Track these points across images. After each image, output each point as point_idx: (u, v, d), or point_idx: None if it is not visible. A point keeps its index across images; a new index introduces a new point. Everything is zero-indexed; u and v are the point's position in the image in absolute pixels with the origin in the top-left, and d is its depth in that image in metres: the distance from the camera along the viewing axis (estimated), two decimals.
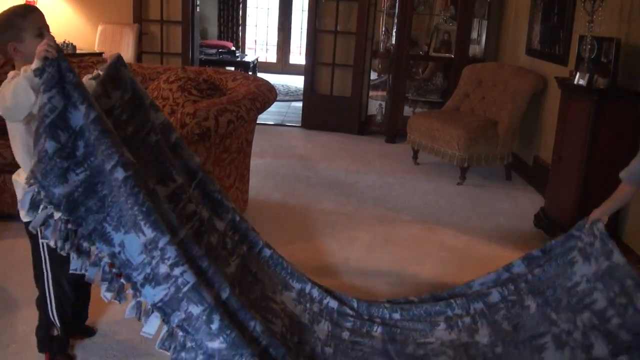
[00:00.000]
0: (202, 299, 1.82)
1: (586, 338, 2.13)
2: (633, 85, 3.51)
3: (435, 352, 2.30)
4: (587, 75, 3.50)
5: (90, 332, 2.49)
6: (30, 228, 1.86)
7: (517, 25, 5.67)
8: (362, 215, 4.10)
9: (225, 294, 1.95)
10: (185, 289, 1.81)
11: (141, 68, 4.27)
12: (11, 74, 1.96)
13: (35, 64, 1.81)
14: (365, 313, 2.47)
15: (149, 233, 1.80)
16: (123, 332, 2.53)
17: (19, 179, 2.05)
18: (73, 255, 1.86)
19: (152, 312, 1.83)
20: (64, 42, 5.96)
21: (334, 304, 2.43)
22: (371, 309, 2.48)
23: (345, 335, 2.35)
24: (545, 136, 4.73)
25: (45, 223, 1.82)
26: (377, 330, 2.40)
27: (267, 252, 2.40)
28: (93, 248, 1.85)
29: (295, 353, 2.15)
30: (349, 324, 2.40)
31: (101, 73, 2.05)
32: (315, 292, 2.42)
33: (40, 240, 2.01)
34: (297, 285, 2.41)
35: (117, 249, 1.83)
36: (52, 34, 2.01)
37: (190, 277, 1.82)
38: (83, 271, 1.87)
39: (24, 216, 2.00)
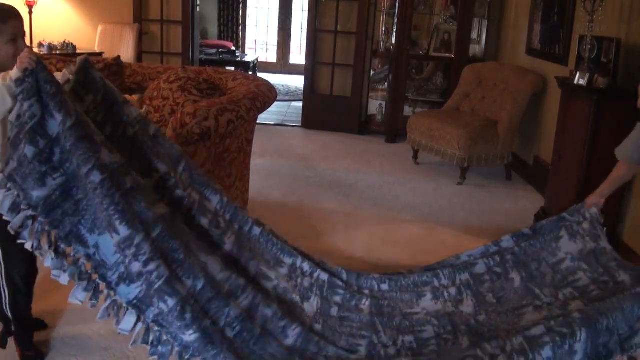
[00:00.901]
0: (175, 292, 1.91)
1: (565, 303, 2.24)
2: (633, 85, 3.51)
3: (420, 322, 2.39)
4: (587, 75, 3.50)
5: (41, 324, 2.50)
6: (9, 229, 1.91)
7: (517, 25, 5.67)
8: (362, 215, 4.10)
9: (200, 284, 2.02)
10: (159, 282, 1.89)
11: (141, 68, 4.27)
12: None
13: (15, 74, 1.89)
14: (354, 284, 2.56)
15: (124, 231, 1.89)
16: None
17: None
18: (51, 257, 1.93)
19: (128, 309, 1.92)
20: (64, 42, 5.97)
21: (324, 276, 2.50)
22: (360, 280, 2.58)
23: (334, 311, 2.42)
24: (546, 136, 4.73)
25: (23, 225, 1.91)
26: (365, 303, 2.47)
27: (257, 230, 2.45)
28: (70, 249, 1.94)
29: (282, 332, 2.21)
30: (338, 298, 2.47)
31: (71, 78, 2.10)
32: (306, 266, 2.49)
33: None
34: (288, 260, 2.47)
35: (92, 250, 1.92)
36: (26, 41, 2.10)
37: (164, 271, 1.92)
38: (61, 272, 1.94)
39: None
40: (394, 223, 4.01)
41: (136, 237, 1.89)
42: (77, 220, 1.92)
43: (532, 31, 5.17)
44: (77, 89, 2.11)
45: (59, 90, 1.93)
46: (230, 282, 2.15)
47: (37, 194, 1.90)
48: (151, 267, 1.89)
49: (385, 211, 4.21)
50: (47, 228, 1.91)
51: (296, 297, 2.38)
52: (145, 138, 2.23)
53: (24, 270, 2.23)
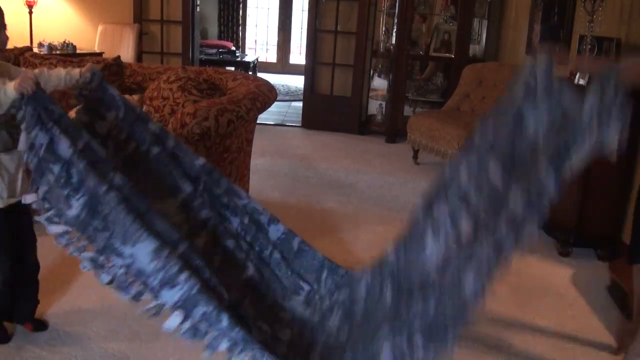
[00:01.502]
0: (209, 300, 1.88)
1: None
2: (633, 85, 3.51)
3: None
4: (587, 75, 3.50)
5: (41, 324, 2.51)
6: (55, 246, 1.99)
7: (517, 25, 5.68)
8: (363, 215, 4.10)
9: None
10: (194, 291, 1.87)
11: (141, 68, 4.28)
12: None
13: (11, 93, 1.90)
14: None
15: (150, 244, 1.89)
16: (123, 333, 2.53)
17: None
18: (87, 268, 1.98)
19: (173, 311, 1.89)
20: (64, 42, 5.97)
21: (345, 293, 2.39)
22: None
23: (358, 314, 2.32)
24: None
25: (66, 242, 1.99)
26: (387, 288, 2.28)
27: (277, 256, 2.39)
28: (109, 261, 1.96)
29: (305, 352, 2.16)
30: (359, 308, 2.35)
31: (73, 75, 2.12)
32: (324, 290, 2.39)
33: None
34: (305, 287, 2.38)
35: (129, 260, 1.92)
36: (7, 33, 2.16)
37: (195, 281, 1.89)
38: (105, 282, 1.97)
39: None
40: (394, 223, 4.00)
41: (162, 251, 1.89)
42: (108, 235, 1.94)
43: (532, 31, 5.16)
44: (95, 108, 2.13)
45: (60, 114, 1.96)
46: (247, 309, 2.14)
47: (69, 213, 1.95)
48: (182, 277, 1.88)
49: (385, 211, 4.21)
50: (85, 243, 1.97)
51: (315, 321, 2.31)
52: (168, 158, 2.23)
53: (7, 266, 2.29)
